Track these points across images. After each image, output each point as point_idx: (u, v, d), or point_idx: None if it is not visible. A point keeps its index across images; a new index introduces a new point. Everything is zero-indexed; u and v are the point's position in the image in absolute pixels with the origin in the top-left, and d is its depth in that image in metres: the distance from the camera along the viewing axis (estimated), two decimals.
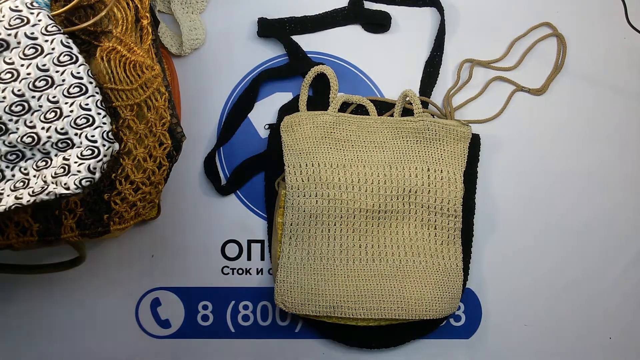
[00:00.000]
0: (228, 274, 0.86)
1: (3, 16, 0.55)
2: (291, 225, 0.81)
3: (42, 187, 0.53)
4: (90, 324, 0.85)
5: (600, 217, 0.88)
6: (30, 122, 0.54)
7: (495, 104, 0.89)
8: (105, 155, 0.54)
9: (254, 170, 0.86)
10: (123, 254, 0.85)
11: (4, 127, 0.54)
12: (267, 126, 0.87)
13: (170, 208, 0.86)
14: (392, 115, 0.85)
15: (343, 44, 0.89)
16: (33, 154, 0.55)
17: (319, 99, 0.86)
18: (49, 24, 0.55)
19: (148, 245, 0.85)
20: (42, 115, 0.54)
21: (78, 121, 0.54)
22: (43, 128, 0.54)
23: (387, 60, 0.89)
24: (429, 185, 0.82)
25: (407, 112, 0.85)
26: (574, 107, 0.89)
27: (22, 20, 0.55)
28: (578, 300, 0.87)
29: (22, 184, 0.54)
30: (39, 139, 0.54)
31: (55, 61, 0.55)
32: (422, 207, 0.82)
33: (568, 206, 0.88)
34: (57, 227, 0.63)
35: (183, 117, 0.83)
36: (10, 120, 0.54)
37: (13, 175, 0.55)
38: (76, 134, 0.54)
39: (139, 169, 0.65)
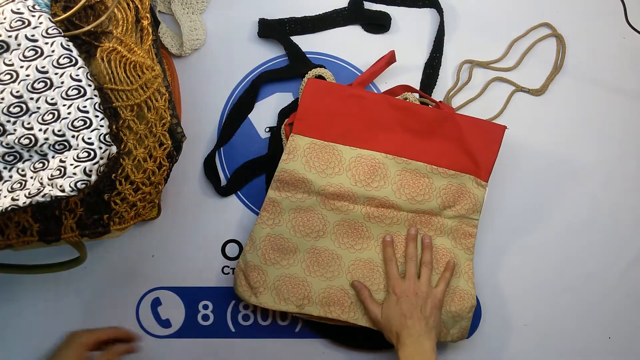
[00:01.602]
0: (228, 273, 0.86)
1: (4, 18, 0.55)
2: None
3: (38, 189, 0.53)
4: (90, 324, 0.85)
5: (600, 217, 0.88)
6: (28, 123, 0.55)
7: (495, 104, 0.89)
8: (101, 158, 0.54)
9: (254, 172, 0.86)
10: (123, 254, 0.85)
11: (1, 129, 0.54)
12: (267, 129, 0.87)
13: (171, 208, 0.86)
14: None
15: (343, 44, 0.89)
16: (30, 156, 0.55)
17: None
18: (50, 27, 0.56)
19: (148, 245, 0.85)
20: (40, 117, 0.55)
21: (75, 123, 0.54)
22: (40, 130, 0.54)
23: None
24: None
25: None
26: (574, 107, 0.89)
27: (23, 23, 0.55)
28: (578, 300, 0.87)
29: (19, 185, 0.54)
30: (36, 140, 0.54)
31: (55, 63, 0.55)
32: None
33: (568, 206, 0.88)
34: (57, 227, 0.63)
35: (183, 118, 0.83)
36: (8, 121, 0.54)
37: (10, 177, 0.55)
38: (73, 136, 0.54)
39: (139, 169, 0.65)
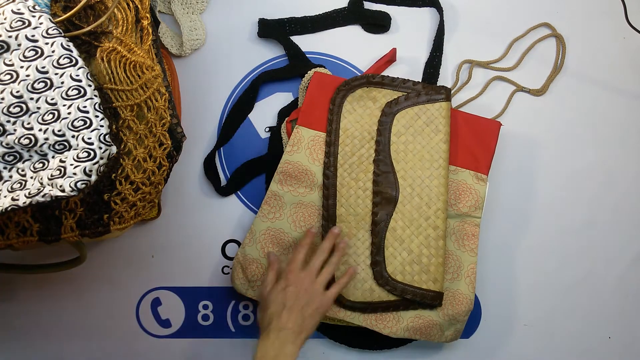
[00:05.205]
0: (228, 273, 0.86)
1: (5, 18, 0.55)
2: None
3: (38, 189, 0.53)
4: (90, 324, 0.85)
5: (600, 217, 0.88)
6: (28, 123, 0.55)
7: (495, 104, 0.89)
8: (101, 158, 0.54)
9: (254, 172, 0.86)
10: (123, 254, 0.85)
11: (1, 129, 0.54)
12: (267, 129, 0.87)
13: (170, 208, 0.86)
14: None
15: (343, 44, 0.89)
16: (30, 156, 0.55)
17: None
18: (50, 27, 0.56)
19: (148, 245, 0.85)
20: (40, 117, 0.55)
21: (75, 123, 0.54)
22: (40, 130, 0.54)
23: None
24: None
25: None
26: (574, 107, 0.89)
27: (24, 23, 0.55)
28: (578, 300, 0.87)
29: (19, 185, 0.54)
30: (36, 140, 0.54)
31: (55, 64, 0.55)
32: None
33: (568, 206, 0.88)
34: (57, 227, 0.63)
35: (183, 117, 0.83)
36: (8, 121, 0.54)
37: (10, 177, 0.55)
38: (73, 136, 0.54)
39: (139, 169, 0.65)
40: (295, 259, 0.75)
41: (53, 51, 0.55)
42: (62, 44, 0.55)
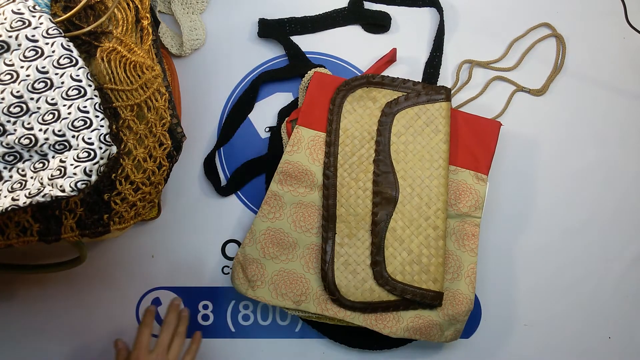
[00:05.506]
0: (228, 273, 0.86)
1: (5, 18, 0.55)
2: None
3: (39, 189, 0.53)
4: (90, 324, 0.85)
5: (600, 217, 0.88)
6: (28, 123, 0.55)
7: (495, 104, 0.89)
8: (101, 158, 0.54)
9: (254, 172, 0.86)
10: (123, 254, 0.85)
11: (2, 129, 0.54)
12: (267, 129, 0.87)
13: (170, 208, 0.86)
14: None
15: (343, 44, 0.89)
16: (31, 156, 0.55)
17: None
18: (50, 27, 0.56)
19: (148, 245, 0.85)
20: (40, 117, 0.55)
21: (76, 123, 0.54)
22: (41, 130, 0.54)
23: None
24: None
25: None
26: (574, 107, 0.89)
27: (24, 23, 0.55)
28: (578, 300, 0.87)
29: (19, 185, 0.54)
30: (37, 140, 0.54)
31: (55, 64, 0.55)
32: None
33: (568, 206, 0.88)
34: (57, 227, 0.63)
35: (183, 117, 0.84)
36: (9, 121, 0.54)
37: (11, 177, 0.55)
38: (73, 136, 0.54)
39: (139, 169, 0.65)
40: (140, 341, 0.76)
41: (53, 51, 0.55)
42: (62, 44, 0.55)
